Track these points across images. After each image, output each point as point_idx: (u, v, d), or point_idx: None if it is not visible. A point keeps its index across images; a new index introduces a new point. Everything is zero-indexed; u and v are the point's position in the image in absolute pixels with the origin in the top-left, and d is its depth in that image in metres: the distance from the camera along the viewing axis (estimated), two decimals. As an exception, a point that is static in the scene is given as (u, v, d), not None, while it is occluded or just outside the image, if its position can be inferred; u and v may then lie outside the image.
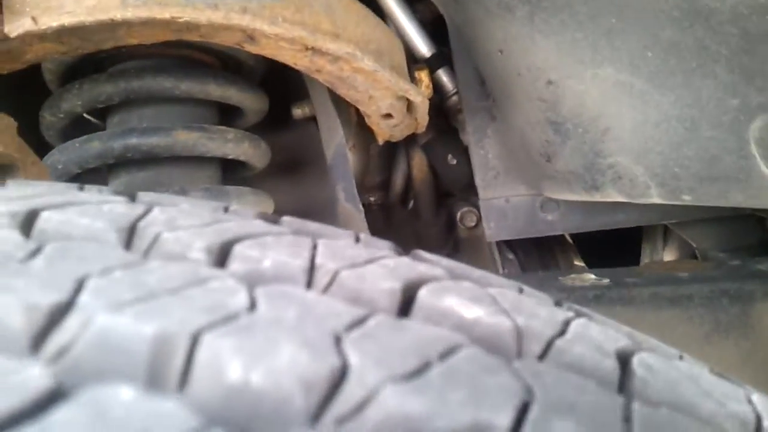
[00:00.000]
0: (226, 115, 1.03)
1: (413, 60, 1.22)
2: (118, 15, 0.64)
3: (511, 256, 1.45)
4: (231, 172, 1.04)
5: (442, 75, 1.27)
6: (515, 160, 1.12)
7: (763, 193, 0.82)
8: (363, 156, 1.29)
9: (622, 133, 0.89)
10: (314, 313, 0.26)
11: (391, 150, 1.40)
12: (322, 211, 1.19)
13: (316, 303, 0.27)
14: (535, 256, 1.48)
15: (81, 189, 0.38)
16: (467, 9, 0.95)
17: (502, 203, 1.16)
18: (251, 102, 0.98)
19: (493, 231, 1.17)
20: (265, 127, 1.10)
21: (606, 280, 1.17)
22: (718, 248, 1.28)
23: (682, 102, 0.80)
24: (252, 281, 0.28)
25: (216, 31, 0.72)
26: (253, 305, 0.26)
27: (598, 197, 0.99)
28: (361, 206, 1.01)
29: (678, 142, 0.85)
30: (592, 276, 1.20)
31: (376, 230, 1.44)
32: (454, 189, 1.40)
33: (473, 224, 1.44)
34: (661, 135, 0.85)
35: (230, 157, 0.93)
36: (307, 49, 0.75)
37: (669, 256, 1.56)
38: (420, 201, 1.37)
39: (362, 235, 0.40)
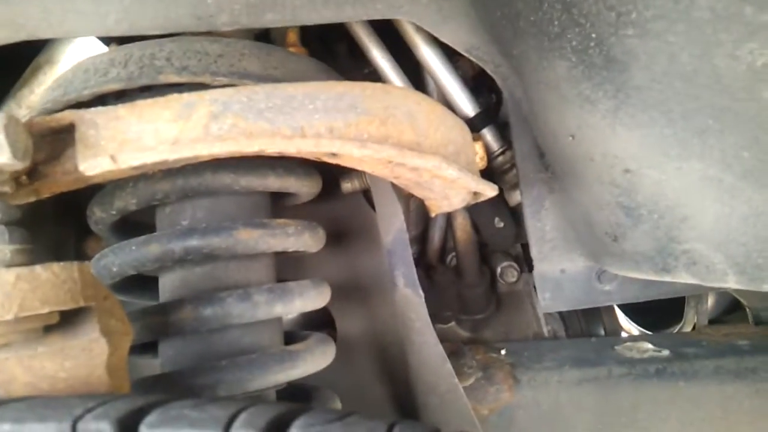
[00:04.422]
0: (279, 195, 0.98)
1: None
2: (204, 151, 0.59)
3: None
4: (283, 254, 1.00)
5: (486, 134, 1.23)
6: (574, 233, 1.08)
7: None
8: (403, 211, 1.25)
9: (703, 222, 0.85)
10: None
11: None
12: (371, 282, 1.14)
13: None
14: (577, 310, 1.45)
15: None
16: (537, 90, 0.91)
17: (557, 274, 1.12)
18: (308, 188, 0.93)
19: (548, 302, 1.13)
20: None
21: (666, 352, 1.14)
22: (771, 309, 1.26)
23: (778, 200, 0.77)
24: None
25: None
26: None
27: (667, 278, 0.96)
28: (421, 292, 0.97)
29: (766, 236, 0.81)
30: (650, 345, 1.17)
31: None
32: (499, 249, 1.36)
33: (514, 279, 1.40)
34: (747, 228, 0.82)
35: (291, 250, 0.89)
36: (390, 162, 0.71)
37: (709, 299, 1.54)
38: (464, 262, 1.32)
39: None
